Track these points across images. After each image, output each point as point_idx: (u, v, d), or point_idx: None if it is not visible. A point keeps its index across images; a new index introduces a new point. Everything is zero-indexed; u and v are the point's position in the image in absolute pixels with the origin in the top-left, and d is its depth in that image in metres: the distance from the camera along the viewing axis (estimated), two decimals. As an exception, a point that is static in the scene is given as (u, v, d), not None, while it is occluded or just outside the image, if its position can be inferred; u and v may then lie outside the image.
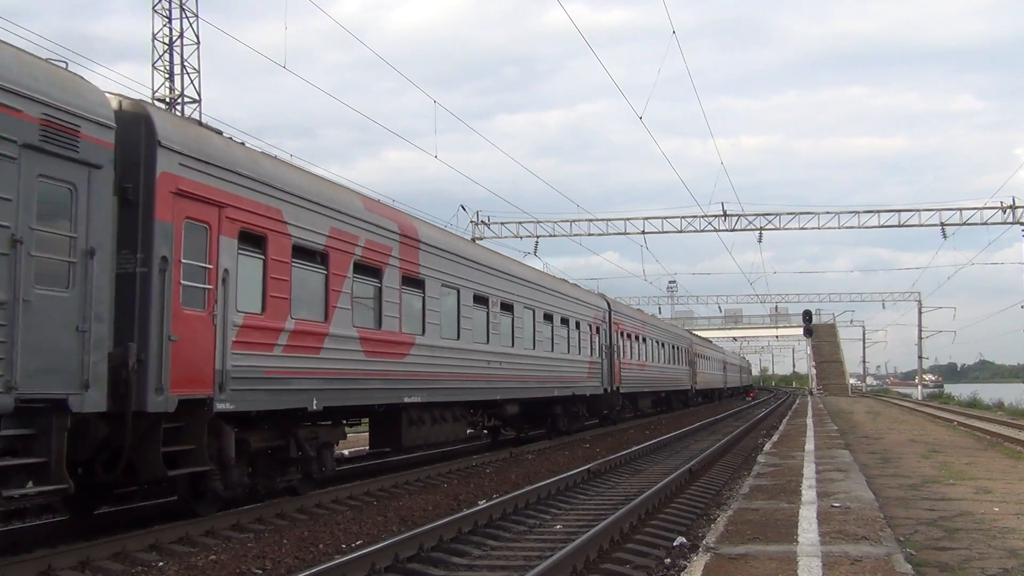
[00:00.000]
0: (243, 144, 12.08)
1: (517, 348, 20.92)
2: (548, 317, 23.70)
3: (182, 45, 39.93)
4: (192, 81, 40.32)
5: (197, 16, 39.87)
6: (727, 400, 72.27)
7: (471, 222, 40.81)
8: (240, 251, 11.16)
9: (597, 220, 42.29)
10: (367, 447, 17.96)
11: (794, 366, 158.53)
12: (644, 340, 36.82)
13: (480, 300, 18.87)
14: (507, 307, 20.54)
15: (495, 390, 19.62)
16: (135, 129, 9.77)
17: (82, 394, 8.66)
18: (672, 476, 15.01)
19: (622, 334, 32.44)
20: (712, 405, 59.67)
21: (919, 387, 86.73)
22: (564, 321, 25.18)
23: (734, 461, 19.69)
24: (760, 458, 17.83)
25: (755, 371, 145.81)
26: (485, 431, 22.93)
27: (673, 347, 44.54)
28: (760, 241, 41.84)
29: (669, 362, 42.96)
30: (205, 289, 10.54)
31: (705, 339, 67.20)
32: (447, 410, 17.57)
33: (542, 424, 25.15)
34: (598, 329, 29.00)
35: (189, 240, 10.28)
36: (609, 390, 29.56)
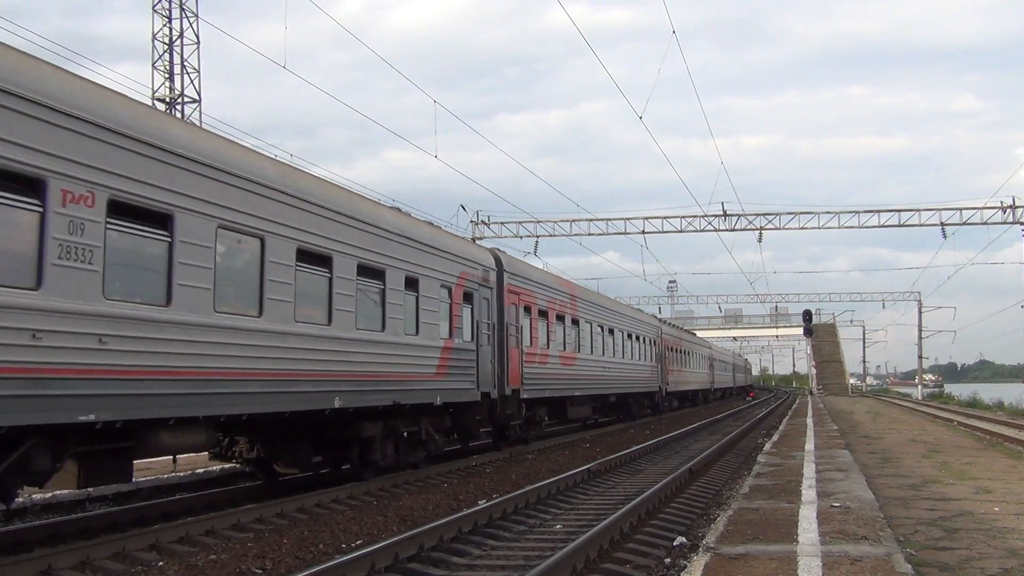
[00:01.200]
0: None
1: (196, 312, 10.37)
2: (316, 260, 12.79)
3: (182, 45, 40.01)
4: (192, 81, 40.42)
5: (197, 16, 39.95)
6: (718, 402, 65.81)
7: (471, 222, 40.86)
8: None
9: (597, 220, 42.32)
10: None
11: (794, 366, 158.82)
12: (575, 323, 26.74)
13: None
14: (150, 218, 9.86)
15: (74, 402, 8.76)
16: None
17: None
18: (672, 476, 15.01)
19: (527, 309, 22.15)
20: (697, 409, 51.49)
21: (919, 387, 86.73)
22: (370, 272, 14.21)
23: (734, 461, 19.69)
24: (760, 458, 17.82)
25: (755, 371, 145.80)
26: (240, 465, 14.75)
27: (629, 336, 34.72)
28: (760, 241, 41.85)
29: (623, 356, 33.36)
30: None
31: (683, 329, 57.77)
32: None
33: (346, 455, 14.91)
34: (469, 297, 18.35)
35: None
36: (496, 395, 19.48)
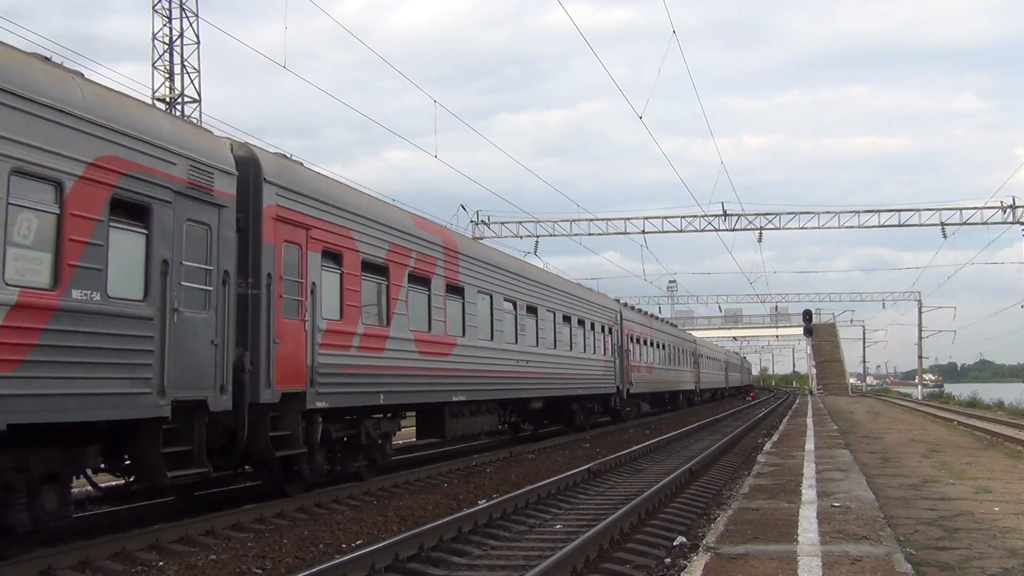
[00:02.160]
0: None
1: None
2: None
3: (182, 45, 39.97)
4: (192, 81, 40.37)
5: (197, 16, 39.91)
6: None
7: (471, 222, 40.88)
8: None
9: (597, 220, 42.34)
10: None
11: (794, 366, 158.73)
12: (457, 292, 18.07)
13: None
14: None
15: None
16: None
17: None
18: (672, 476, 15.01)
19: (334, 257, 13.44)
20: (680, 414, 43.83)
21: (919, 387, 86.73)
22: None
23: (734, 461, 19.70)
24: (760, 458, 17.83)
25: (755, 370, 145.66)
26: None
27: (567, 319, 26.08)
28: (760, 241, 41.88)
29: (555, 345, 24.70)
30: None
31: (656, 317, 48.10)
32: None
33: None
34: (139, 212, 9.61)
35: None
36: (229, 404, 10.89)
